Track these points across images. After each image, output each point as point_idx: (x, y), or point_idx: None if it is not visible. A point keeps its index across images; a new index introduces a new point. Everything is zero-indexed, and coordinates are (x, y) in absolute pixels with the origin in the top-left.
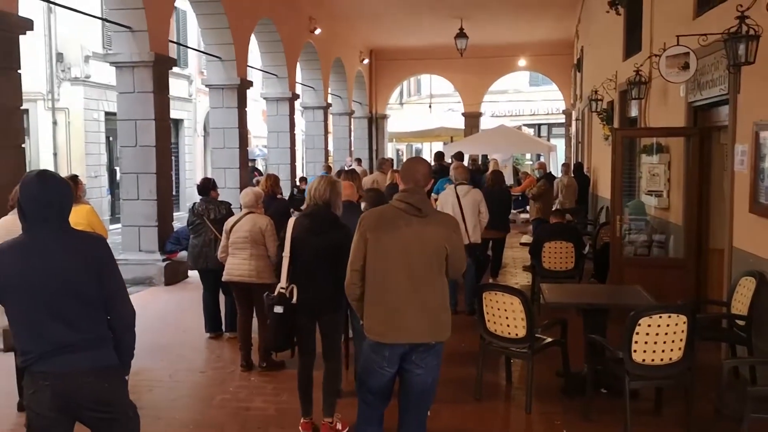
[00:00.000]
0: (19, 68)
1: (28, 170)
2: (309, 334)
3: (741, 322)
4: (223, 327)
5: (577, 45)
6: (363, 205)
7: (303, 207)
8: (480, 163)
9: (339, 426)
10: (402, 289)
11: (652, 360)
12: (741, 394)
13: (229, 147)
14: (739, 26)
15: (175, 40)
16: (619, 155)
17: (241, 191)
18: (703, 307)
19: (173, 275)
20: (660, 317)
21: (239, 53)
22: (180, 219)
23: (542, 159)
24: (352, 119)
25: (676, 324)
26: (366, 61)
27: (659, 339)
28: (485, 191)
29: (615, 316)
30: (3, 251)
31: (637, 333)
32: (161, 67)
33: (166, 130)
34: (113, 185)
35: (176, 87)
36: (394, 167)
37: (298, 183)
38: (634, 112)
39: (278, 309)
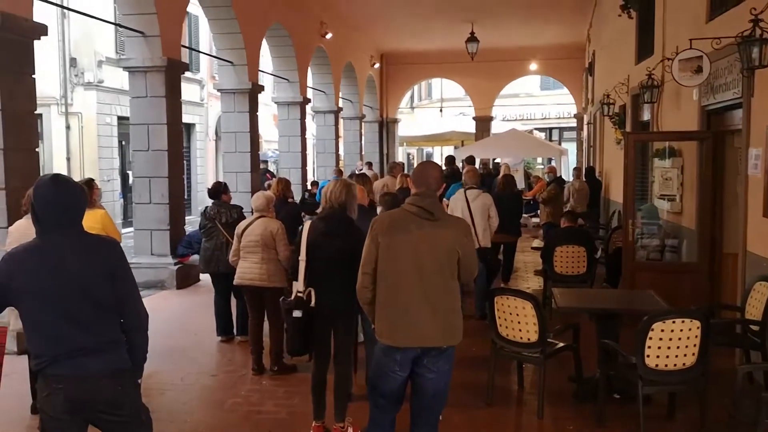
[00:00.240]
0: (33, 73)
1: (41, 174)
2: (325, 337)
3: (755, 327)
4: (235, 330)
5: (589, 49)
6: (379, 209)
7: (318, 210)
8: (491, 167)
9: (350, 430)
10: (413, 292)
11: (666, 365)
12: (755, 400)
13: (240, 151)
14: (752, 29)
15: (187, 44)
16: (632, 159)
17: (252, 195)
18: (717, 312)
19: (185, 279)
20: (673, 322)
21: (251, 58)
22: (192, 223)
23: (553, 163)
24: (363, 123)
25: (690, 329)
26: (377, 65)
27: (672, 344)
28: (496, 195)
29: (628, 321)
30: (17, 255)
31: (650, 338)
32: (173, 71)
33: (178, 134)
34: (126, 189)
35: (188, 91)
36: (405, 171)
37: (309, 187)
38: (646, 115)
39: (297, 313)
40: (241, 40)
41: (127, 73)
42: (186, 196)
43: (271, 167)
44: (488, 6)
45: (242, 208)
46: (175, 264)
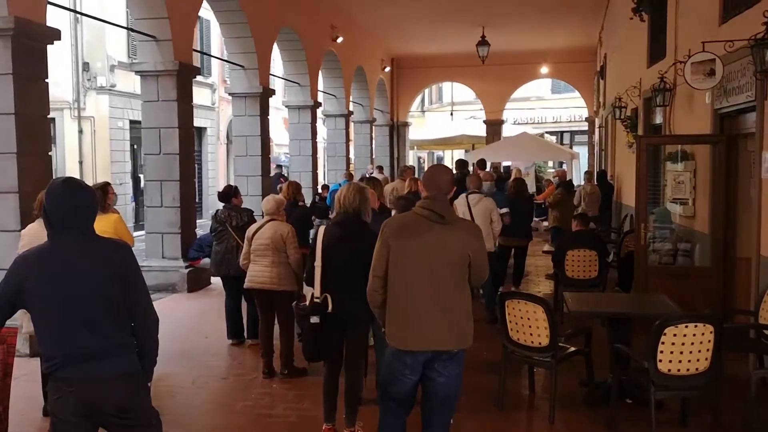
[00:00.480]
0: (47, 77)
1: (54, 178)
2: (338, 342)
3: None
4: (245, 333)
5: (600, 52)
6: (394, 213)
7: (331, 215)
8: (501, 171)
9: None
10: (424, 296)
11: (678, 370)
12: None
13: (251, 155)
14: (765, 32)
15: (198, 49)
16: (644, 163)
17: (263, 198)
18: (730, 316)
19: (196, 282)
20: (686, 327)
21: (262, 62)
22: (203, 226)
23: (564, 167)
24: (373, 127)
25: (703, 334)
26: (387, 69)
27: (685, 349)
28: (507, 199)
29: (640, 326)
30: (28, 257)
31: (663, 342)
32: (185, 75)
33: (190, 138)
34: (137, 192)
35: (200, 95)
36: (415, 175)
37: (319, 191)
38: (658, 119)
39: (314, 319)
40: (252, 44)
41: (139, 77)
42: (197, 200)
43: (285, 171)
44: (499, 9)
45: (253, 212)
46: (186, 267)
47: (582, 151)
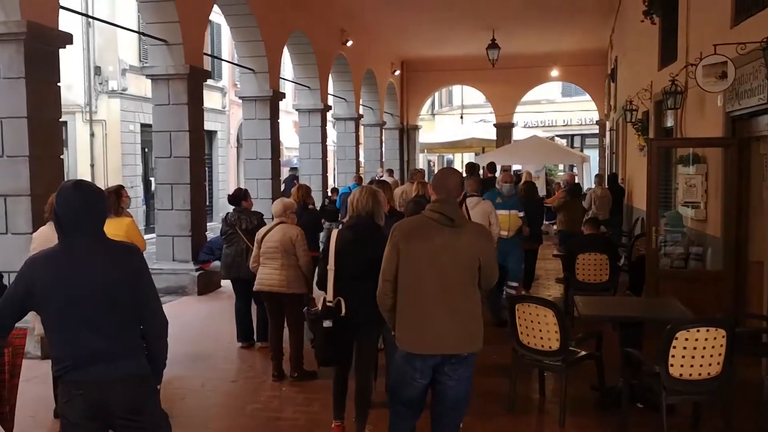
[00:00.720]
0: (59, 81)
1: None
2: (349, 345)
3: None
4: (255, 336)
5: (611, 55)
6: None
7: (342, 218)
8: (512, 174)
9: None
10: (434, 299)
11: (690, 375)
12: None
13: (261, 158)
14: None
15: (209, 52)
16: (655, 166)
17: (273, 201)
18: (742, 320)
19: (206, 285)
20: (698, 331)
21: (272, 65)
22: (213, 229)
23: (575, 170)
24: (383, 130)
25: (714, 338)
26: (397, 72)
27: (697, 353)
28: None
29: (651, 330)
30: (38, 260)
31: (674, 347)
32: (196, 79)
33: (200, 141)
34: (148, 195)
35: (210, 99)
36: (425, 178)
37: (329, 194)
38: (669, 122)
39: (327, 323)
40: (262, 48)
41: (150, 80)
42: (208, 203)
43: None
44: (509, 13)
45: (263, 215)
46: (197, 270)
47: (593, 155)
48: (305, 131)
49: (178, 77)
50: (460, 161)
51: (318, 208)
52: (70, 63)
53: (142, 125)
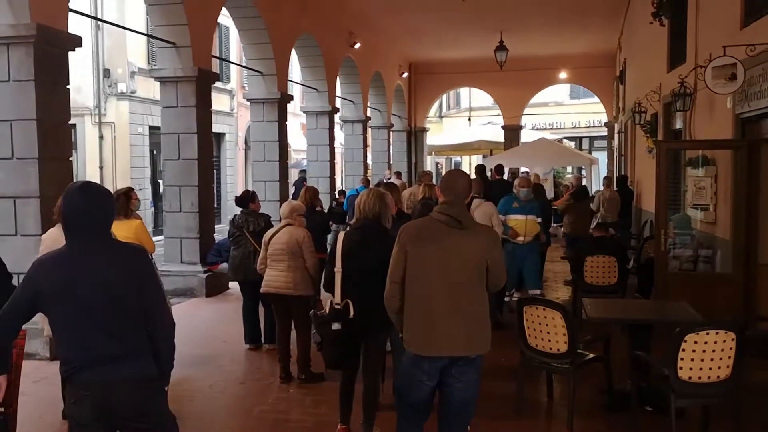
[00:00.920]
0: (68, 84)
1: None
2: (357, 348)
3: None
4: (263, 338)
5: (620, 57)
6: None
7: (350, 220)
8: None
9: None
10: (441, 301)
11: (699, 378)
12: None
13: (269, 160)
14: None
15: (217, 55)
16: (664, 168)
17: (281, 204)
18: (752, 323)
19: (214, 287)
20: (707, 334)
21: (280, 68)
22: (221, 231)
23: (583, 172)
24: (391, 132)
25: (724, 341)
26: (405, 74)
27: (706, 356)
28: None
29: (661, 333)
30: (45, 261)
31: (683, 350)
32: (204, 81)
33: (208, 143)
34: (157, 198)
35: (218, 101)
36: (433, 180)
37: (336, 196)
38: (678, 124)
39: (336, 326)
40: (270, 51)
41: (158, 83)
42: (216, 205)
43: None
44: (517, 15)
45: (270, 217)
46: (205, 272)
47: (601, 157)
48: (313, 133)
49: (186, 80)
50: (467, 164)
51: (325, 211)
52: (80, 66)
53: (151, 127)
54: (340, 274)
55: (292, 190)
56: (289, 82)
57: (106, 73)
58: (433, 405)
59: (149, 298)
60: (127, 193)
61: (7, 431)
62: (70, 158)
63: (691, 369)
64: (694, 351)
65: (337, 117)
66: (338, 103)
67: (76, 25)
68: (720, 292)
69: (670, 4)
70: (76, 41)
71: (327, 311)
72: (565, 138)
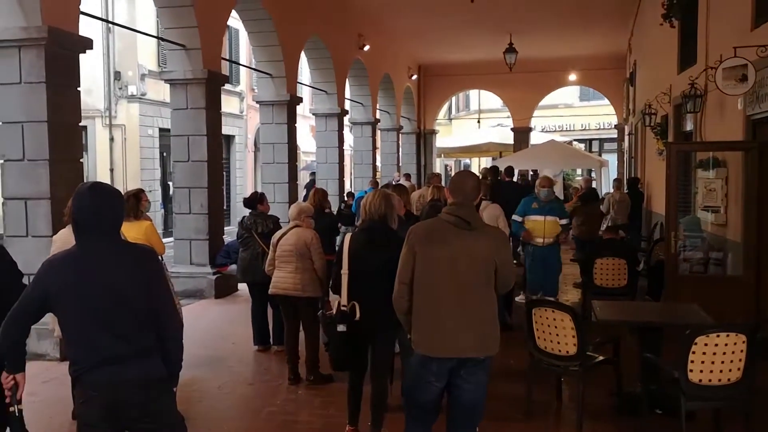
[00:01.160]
0: (79, 86)
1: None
2: (364, 349)
3: None
4: (271, 340)
5: (630, 59)
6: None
7: (357, 222)
8: (529, 178)
9: None
10: (450, 302)
11: (710, 380)
12: None
13: (278, 162)
14: None
15: (227, 57)
16: (674, 170)
17: (290, 205)
18: (764, 325)
19: (223, 288)
20: (717, 336)
21: (289, 70)
22: (230, 233)
23: (593, 174)
24: (400, 135)
25: (735, 343)
26: (414, 76)
27: (717, 359)
28: None
29: (671, 335)
30: (55, 262)
31: (694, 352)
32: (214, 83)
33: (218, 145)
34: (166, 199)
35: (228, 103)
36: (442, 182)
37: (345, 198)
38: (689, 126)
39: (341, 327)
40: (279, 53)
41: (168, 85)
42: (225, 207)
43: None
44: (527, 17)
45: (279, 219)
46: (214, 273)
47: (611, 159)
48: (322, 136)
49: (196, 82)
50: (477, 166)
51: (334, 213)
52: (90, 68)
53: (161, 129)
54: (347, 276)
55: (303, 192)
56: (298, 85)
57: (117, 75)
58: (441, 406)
59: (158, 299)
60: (137, 195)
61: (23, 425)
62: (81, 160)
63: (701, 372)
64: (704, 353)
65: (346, 119)
66: (347, 105)
67: (87, 27)
68: (731, 294)
69: (681, 5)
70: (86, 43)
71: (334, 312)
72: (575, 140)
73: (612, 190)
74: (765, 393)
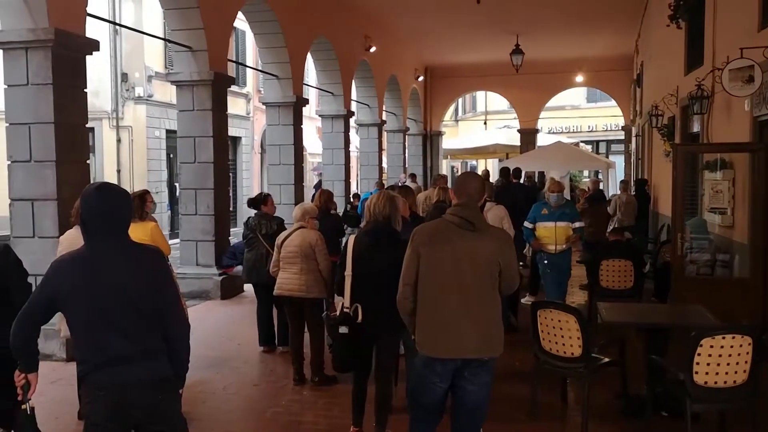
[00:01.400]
0: (86, 87)
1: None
2: (368, 350)
3: None
4: (276, 341)
5: (637, 60)
6: None
7: (362, 224)
8: (536, 180)
9: None
10: (454, 303)
11: (715, 382)
12: None
13: (284, 163)
14: None
15: (233, 59)
16: (681, 171)
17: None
18: None
19: (229, 289)
20: (723, 338)
21: (295, 71)
22: (236, 234)
23: (600, 176)
24: (406, 136)
25: (741, 345)
26: (421, 78)
27: (722, 361)
28: None
29: (677, 337)
30: (64, 262)
31: (699, 354)
32: (220, 85)
33: (224, 147)
34: (173, 201)
35: (235, 105)
36: (448, 184)
37: (351, 199)
38: (696, 127)
39: (343, 329)
40: (286, 54)
41: (175, 87)
42: (231, 208)
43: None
44: (533, 18)
45: (283, 220)
46: (220, 275)
47: (618, 161)
48: (328, 137)
49: (202, 83)
50: (483, 167)
51: (340, 214)
52: (98, 70)
53: (168, 131)
54: (350, 278)
55: (311, 193)
56: (304, 86)
57: (124, 77)
58: (445, 407)
59: (165, 300)
60: (143, 196)
61: (34, 424)
62: (87, 161)
63: (707, 374)
64: (710, 355)
65: (352, 120)
66: (354, 106)
67: (94, 29)
68: (737, 296)
69: (687, 6)
70: (93, 45)
71: (338, 314)
72: (582, 141)
73: (619, 192)
74: None
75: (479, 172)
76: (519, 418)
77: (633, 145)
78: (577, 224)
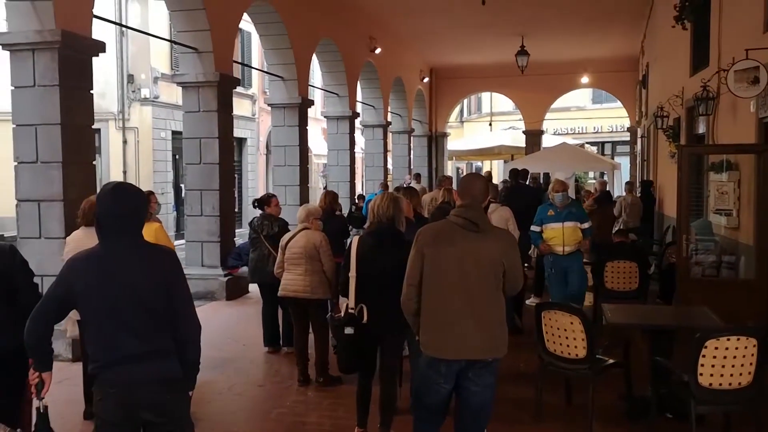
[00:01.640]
0: (92, 89)
1: (98, 187)
2: (372, 353)
3: None
4: (281, 341)
5: (643, 61)
6: None
7: (365, 225)
8: (541, 181)
9: None
10: (458, 304)
11: (720, 384)
12: None
13: (290, 164)
14: None
15: (239, 60)
16: (686, 173)
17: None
18: None
19: (234, 290)
20: (728, 340)
21: (301, 73)
22: (242, 235)
23: (605, 177)
24: (411, 137)
25: (746, 347)
26: (426, 79)
27: (727, 362)
28: None
29: (682, 339)
30: (77, 261)
31: (704, 356)
32: (226, 86)
33: (230, 148)
34: (179, 202)
35: (240, 106)
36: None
37: (356, 201)
38: (701, 128)
39: (348, 330)
40: (291, 56)
41: (181, 88)
42: (237, 209)
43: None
44: (539, 19)
45: (287, 222)
46: (225, 275)
47: (624, 162)
48: (333, 138)
49: (208, 85)
50: (488, 168)
51: (345, 215)
52: (104, 71)
53: (173, 132)
54: (354, 279)
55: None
56: (310, 87)
57: (130, 78)
58: (449, 408)
59: (177, 300)
60: (147, 197)
61: (47, 422)
62: (93, 162)
63: (711, 375)
64: (714, 357)
65: (357, 122)
66: (359, 108)
67: (100, 31)
68: (743, 298)
69: (693, 7)
70: (99, 47)
71: (343, 315)
72: (588, 143)
73: (624, 193)
74: None
75: (484, 173)
76: (523, 420)
77: (638, 147)
78: (586, 225)
